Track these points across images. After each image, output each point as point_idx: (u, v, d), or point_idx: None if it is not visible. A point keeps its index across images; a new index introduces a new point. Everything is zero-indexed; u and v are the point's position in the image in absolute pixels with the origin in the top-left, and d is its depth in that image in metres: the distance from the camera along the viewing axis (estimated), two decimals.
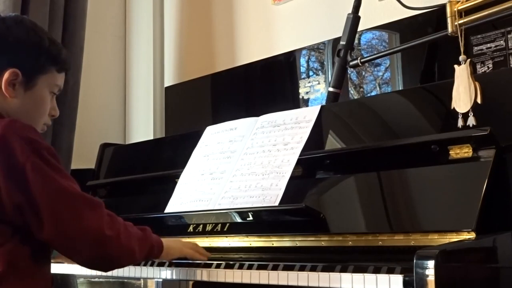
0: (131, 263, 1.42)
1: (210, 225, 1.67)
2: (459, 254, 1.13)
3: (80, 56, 2.68)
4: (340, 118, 1.69)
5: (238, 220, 1.61)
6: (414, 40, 1.74)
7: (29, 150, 1.25)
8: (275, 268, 1.34)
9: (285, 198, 1.53)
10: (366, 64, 1.95)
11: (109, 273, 1.63)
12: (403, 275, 1.12)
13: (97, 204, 1.32)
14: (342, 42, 1.88)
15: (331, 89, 1.88)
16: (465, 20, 1.51)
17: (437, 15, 1.79)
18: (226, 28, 2.74)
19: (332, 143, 1.65)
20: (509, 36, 1.71)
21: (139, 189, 2.11)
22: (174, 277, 1.54)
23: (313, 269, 1.27)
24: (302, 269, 1.29)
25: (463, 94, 1.39)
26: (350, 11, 1.90)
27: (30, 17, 2.39)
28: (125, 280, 1.99)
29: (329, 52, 2.19)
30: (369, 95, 2.07)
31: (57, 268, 1.79)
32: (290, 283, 1.30)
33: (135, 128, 3.01)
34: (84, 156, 2.66)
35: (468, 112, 1.38)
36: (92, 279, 2.03)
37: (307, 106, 2.20)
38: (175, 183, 1.85)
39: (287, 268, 1.32)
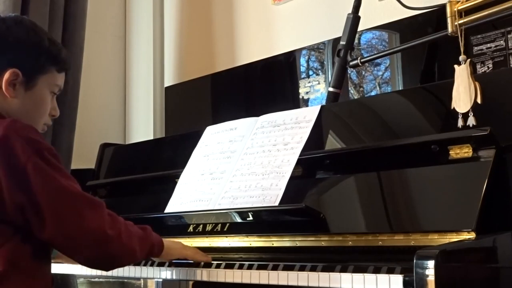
0: (132, 262, 1.42)
1: (210, 225, 1.67)
2: (459, 254, 1.13)
3: (80, 56, 2.68)
4: (340, 118, 1.69)
5: (238, 220, 1.61)
6: (414, 40, 1.74)
7: (30, 150, 1.25)
8: (275, 268, 1.34)
9: (285, 198, 1.53)
10: (366, 64, 1.95)
11: (109, 273, 1.63)
12: (403, 275, 1.12)
13: (98, 203, 1.32)
14: (342, 42, 1.88)
15: (331, 89, 1.88)
16: (465, 20, 1.51)
17: (437, 15, 1.79)
18: (226, 28, 2.74)
19: (332, 143, 1.65)
20: (509, 36, 1.71)
21: (139, 189, 2.11)
22: (174, 277, 1.54)
23: (313, 269, 1.27)
24: (302, 269, 1.29)
25: (463, 94, 1.39)
26: (350, 11, 1.90)
27: (30, 17, 2.39)
28: (125, 280, 1.99)
29: (329, 52, 2.19)
30: (369, 95, 2.07)
31: (57, 268, 1.79)
32: (290, 283, 1.30)
33: (135, 128, 3.01)
34: (84, 156, 2.66)
35: (468, 112, 1.38)
36: (92, 279, 2.03)
37: (307, 106, 2.20)
38: (175, 183, 1.85)
39: (287, 268, 1.32)
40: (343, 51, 1.87)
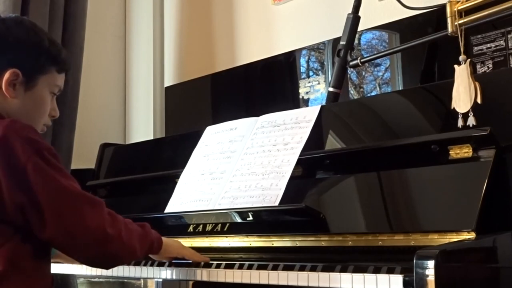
0: (132, 260, 1.42)
1: (210, 225, 1.67)
2: (459, 254, 1.13)
3: (80, 56, 2.68)
4: (340, 118, 1.69)
5: (238, 220, 1.61)
6: (414, 40, 1.74)
7: (30, 150, 1.25)
8: (275, 268, 1.34)
9: (285, 198, 1.53)
10: (366, 64, 1.95)
11: (109, 273, 1.63)
12: (403, 275, 1.12)
13: (98, 202, 1.32)
14: (342, 42, 1.88)
15: (331, 89, 1.88)
16: (465, 20, 1.51)
17: (437, 15, 1.79)
18: (226, 28, 2.74)
19: (332, 143, 1.65)
20: (509, 36, 1.71)
21: (139, 189, 2.11)
22: (174, 277, 1.54)
23: (313, 269, 1.27)
24: (302, 269, 1.29)
25: (463, 94, 1.39)
26: (350, 11, 1.90)
27: (30, 17, 2.40)
28: (125, 280, 1.99)
29: (329, 52, 2.19)
30: (369, 95, 2.07)
31: (57, 268, 1.79)
32: (290, 283, 1.30)
33: (135, 128, 3.01)
34: (84, 156, 2.66)
35: (468, 112, 1.38)
36: (92, 279, 2.03)
37: (307, 106, 2.20)
38: (175, 183, 1.85)
39: (287, 268, 1.32)
40: (343, 51, 1.87)
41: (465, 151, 1.34)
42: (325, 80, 2.19)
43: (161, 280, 1.70)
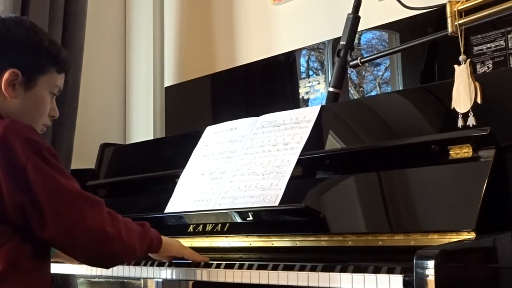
0: (132, 259, 1.42)
1: (210, 225, 1.67)
2: (459, 254, 1.13)
3: (80, 56, 2.68)
4: (340, 118, 1.69)
5: (238, 220, 1.61)
6: (414, 40, 1.74)
7: (30, 150, 1.25)
8: (275, 268, 1.34)
9: (285, 198, 1.53)
10: (366, 64, 1.95)
11: (109, 273, 1.63)
12: (403, 275, 1.12)
13: (98, 202, 1.32)
14: (342, 42, 1.88)
15: (331, 89, 1.88)
16: (465, 20, 1.51)
17: (437, 15, 1.79)
18: (226, 28, 2.74)
19: (332, 143, 1.65)
20: (509, 36, 1.71)
21: (139, 189, 2.11)
22: (174, 277, 1.54)
23: (313, 269, 1.27)
24: (302, 269, 1.29)
25: (463, 94, 1.39)
26: (350, 11, 1.90)
27: (30, 17, 2.40)
28: (125, 280, 1.99)
29: (329, 52, 2.19)
30: (369, 95, 2.07)
31: (57, 268, 1.79)
32: (290, 283, 1.30)
33: (135, 128, 3.01)
34: (84, 156, 2.66)
35: (468, 112, 1.38)
36: (92, 279, 2.03)
37: (307, 106, 2.20)
38: (175, 183, 1.85)
39: (287, 268, 1.32)
40: (343, 51, 1.87)
41: (465, 151, 1.34)
42: (325, 80, 2.19)
43: (161, 280, 1.70)
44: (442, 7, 1.58)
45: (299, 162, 1.58)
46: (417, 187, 1.38)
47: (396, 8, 1.84)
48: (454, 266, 1.10)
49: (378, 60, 2.00)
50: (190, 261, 1.53)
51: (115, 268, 1.66)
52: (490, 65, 1.73)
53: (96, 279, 2.02)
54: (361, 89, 2.10)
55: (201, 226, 1.69)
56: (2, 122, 1.28)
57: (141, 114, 2.98)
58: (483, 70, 1.74)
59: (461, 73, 1.41)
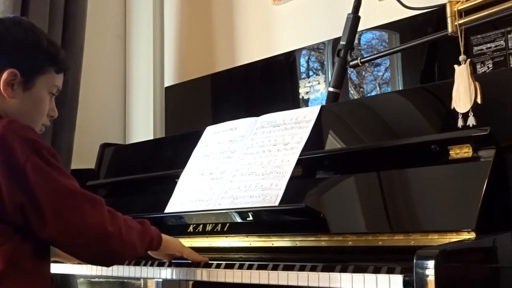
0: (133, 257, 1.42)
1: (210, 225, 1.67)
2: (459, 254, 1.13)
3: (80, 56, 2.68)
4: (340, 118, 1.69)
5: (238, 220, 1.61)
6: (414, 40, 1.74)
7: (29, 150, 1.25)
8: (275, 268, 1.34)
9: (285, 198, 1.53)
10: (366, 64, 1.95)
11: (109, 273, 1.63)
12: (403, 275, 1.12)
13: (98, 201, 1.32)
14: (342, 42, 1.88)
15: (331, 89, 1.88)
16: (465, 20, 1.51)
17: (437, 15, 1.79)
18: (226, 28, 2.74)
19: (332, 143, 1.65)
20: (509, 36, 1.71)
21: (139, 189, 2.11)
22: (174, 277, 1.54)
23: (313, 269, 1.27)
24: (302, 269, 1.29)
25: (463, 94, 1.39)
26: (350, 11, 1.90)
27: (30, 17, 2.40)
28: (125, 280, 1.99)
29: (329, 52, 2.19)
30: (369, 95, 2.06)
31: (57, 268, 1.79)
32: (290, 283, 1.30)
33: (135, 128, 3.01)
34: (84, 156, 2.66)
35: (468, 112, 1.38)
36: (92, 279, 2.03)
37: (307, 106, 2.20)
38: (175, 183, 1.85)
39: (287, 268, 1.32)
40: (343, 51, 1.87)
41: (465, 151, 1.34)
42: (325, 80, 2.19)
43: (161, 280, 1.71)
44: (442, 7, 1.58)
45: (299, 162, 1.58)
46: (417, 187, 1.38)
47: (396, 8, 1.84)
48: (454, 266, 1.10)
49: (378, 60, 2.00)
50: (190, 261, 1.53)
51: (115, 268, 1.67)
52: (490, 65, 1.73)
53: (96, 279, 2.02)
54: (361, 89, 2.10)
55: (201, 226, 1.69)
56: (1, 122, 1.28)
57: (141, 114, 2.98)
58: (483, 70, 1.74)
59: (461, 73, 1.41)
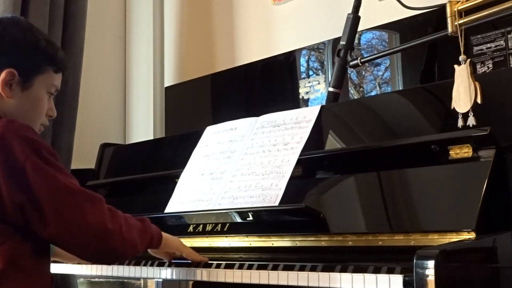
0: (134, 255, 1.42)
1: (210, 225, 1.67)
2: (459, 254, 1.13)
3: (80, 56, 2.68)
4: (340, 118, 1.69)
5: (238, 220, 1.61)
6: (414, 40, 1.74)
7: (28, 149, 1.25)
8: (275, 268, 1.34)
9: (285, 198, 1.53)
10: (366, 64, 1.95)
11: (109, 273, 1.63)
12: (403, 275, 1.12)
13: (98, 199, 1.32)
14: (342, 42, 1.88)
15: (331, 89, 1.88)
16: (465, 20, 1.51)
17: (437, 15, 1.79)
18: (226, 28, 2.74)
19: (332, 143, 1.65)
20: (509, 36, 1.71)
21: (139, 189, 2.11)
22: (174, 277, 1.54)
23: (313, 269, 1.27)
24: (302, 269, 1.29)
25: (463, 94, 1.39)
26: (350, 11, 1.90)
27: (30, 17, 2.40)
28: (125, 280, 1.99)
29: (329, 52, 2.19)
30: (369, 95, 2.07)
31: (57, 268, 1.79)
32: (290, 283, 1.30)
33: (135, 128, 3.01)
34: (84, 156, 2.66)
35: (468, 112, 1.38)
36: (92, 279, 2.03)
37: (307, 106, 2.20)
38: (175, 183, 1.85)
39: (287, 268, 1.32)
40: (343, 51, 1.87)
41: (465, 151, 1.34)
42: (325, 80, 2.19)
43: (161, 280, 1.71)
44: (442, 7, 1.58)
45: (299, 162, 1.58)
46: (417, 187, 1.38)
47: (396, 8, 1.84)
48: (454, 266, 1.10)
49: (378, 60, 2.00)
50: (190, 261, 1.53)
51: (115, 268, 1.67)
52: (490, 65, 1.73)
53: (96, 279, 2.02)
54: (361, 89, 2.10)
55: (201, 226, 1.69)
56: (0, 122, 1.28)
57: (141, 114, 2.98)
58: (483, 70, 1.74)
59: (461, 73, 1.41)
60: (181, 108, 2.77)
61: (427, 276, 1.03)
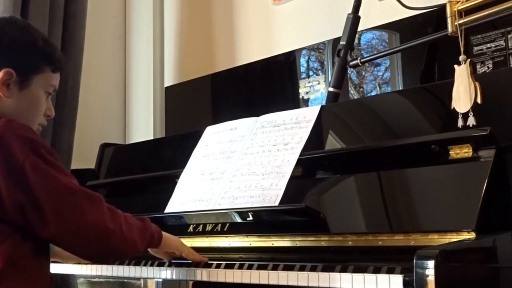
0: (134, 254, 1.42)
1: (210, 225, 1.67)
2: (459, 254, 1.13)
3: (80, 56, 2.68)
4: (340, 118, 1.69)
5: (238, 220, 1.61)
6: (414, 40, 1.74)
7: (27, 149, 1.25)
8: (275, 268, 1.34)
9: (285, 198, 1.53)
10: (366, 64, 1.95)
11: (109, 273, 1.63)
12: (403, 275, 1.12)
13: (97, 198, 1.32)
14: (342, 42, 1.88)
15: (331, 89, 1.88)
16: (465, 20, 1.51)
17: (437, 15, 1.79)
18: (226, 28, 2.74)
19: (332, 143, 1.65)
20: (509, 36, 1.71)
21: (139, 189, 2.11)
22: (174, 277, 1.54)
23: (313, 269, 1.27)
24: (302, 269, 1.29)
25: (463, 94, 1.39)
26: (350, 11, 1.90)
27: (30, 17, 2.40)
28: (125, 280, 1.99)
29: (329, 52, 2.19)
30: (369, 95, 2.07)
31: (57, 268, 1.79)
32: (290, 283, 1.30)
33: (135, 128, 3.01)
34: (84, 156, 2.66)
35: (468, 112, 1.38)
36: (92, 279, 2.03)
37: (307, 106, 2.20)
38: (175, 183, 1.85)
39: (287, 268, 1.32)
40: (343, 51, 1.87)
41: (465, 151, 1.34)
42: (325, 80, 2.19)
43: (161, 280, 1.71)
44: (442, 7, 1.58)
45: (299, 162, 1.58)
46: (417, 187, 1.38)
47: (396, 8, 1.84)
48: (454, 266, 1.10)
49: (378, 60, 2.00)
50: (190, 261, 1.53)
51: (115, 268, 1.67)
52: (490, 65, 1.73)
53: (96, 279, 2.02)
54: (361, 89, 2.10)
55: (201, 226, 1.69)
56: None
57: (141, 114, 2.98)
58: (483, 70, 1.74)
59: (461, 73, 1.41)
60: (181, 108, 2.77)
61: (427, 276, 1.03)
